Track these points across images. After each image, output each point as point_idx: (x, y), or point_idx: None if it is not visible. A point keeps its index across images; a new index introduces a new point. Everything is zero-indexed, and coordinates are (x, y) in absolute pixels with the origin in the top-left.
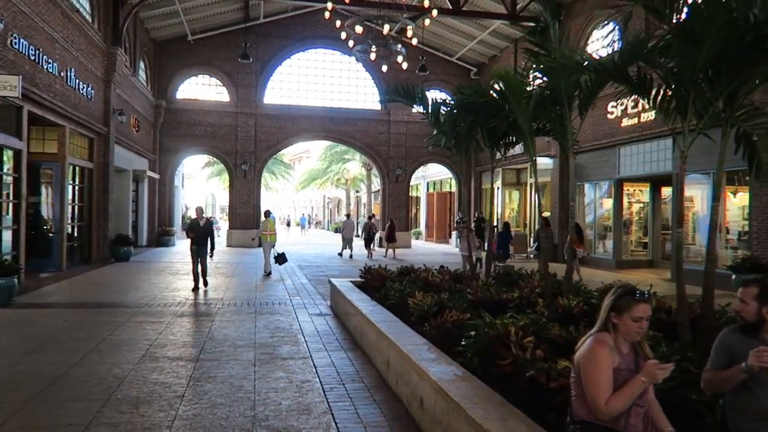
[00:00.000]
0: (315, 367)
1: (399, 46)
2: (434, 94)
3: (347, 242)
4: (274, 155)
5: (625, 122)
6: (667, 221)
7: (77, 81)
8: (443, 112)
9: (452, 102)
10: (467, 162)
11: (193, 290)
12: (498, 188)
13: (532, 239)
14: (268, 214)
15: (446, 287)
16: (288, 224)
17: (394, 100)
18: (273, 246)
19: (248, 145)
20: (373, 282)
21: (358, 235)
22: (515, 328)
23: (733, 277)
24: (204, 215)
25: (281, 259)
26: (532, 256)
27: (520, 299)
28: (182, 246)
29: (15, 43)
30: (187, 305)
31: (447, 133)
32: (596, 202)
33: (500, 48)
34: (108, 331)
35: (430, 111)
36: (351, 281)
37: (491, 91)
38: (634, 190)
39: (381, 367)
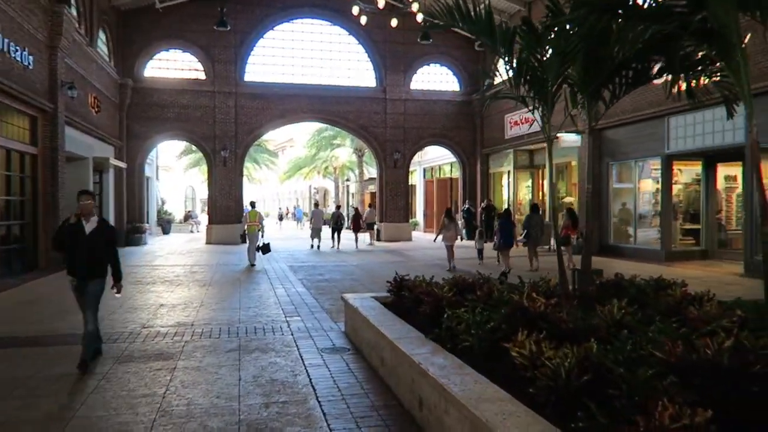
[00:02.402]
0: None
1: None
2: (433, 69)
3: (316, 233)
4: (257, 140)
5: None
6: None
7: (6, 41)
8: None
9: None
10: (473, 142)
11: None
12: (509, 172)
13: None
14: (253, 205)
15: (566, 322)
16: (280, 218)
17: (437, 27)
18: (258, 237)
19: (228, 128)
20: (414, 303)
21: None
22: None
23: None
24: (95, 213)
25: (265, 249)
26: (521, 245)
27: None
28: (156, 244)
29: None
30: (141, 338)
31: (531, 69)
32: (636, 183)
33: (510, 13)
34: None
35: (498, 39)
36: (374, 297)
37: None
38: (676, 170)
39: None
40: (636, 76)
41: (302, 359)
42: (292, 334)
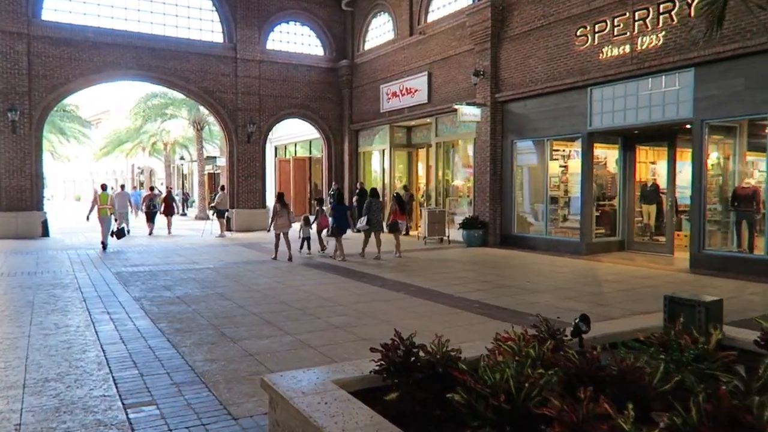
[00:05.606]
0: None
1: None
2: (294, 28)
3: (122, 217)
4: (61, 101)
5: (607, 52)
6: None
7: None
8: None
9: None
10: (340, 117)
11: None
12: (384, 151)
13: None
14: (104, 188)
15: None
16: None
17: None
18: (111, 220)
19: (17, 81)
20: (474, 409)
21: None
22: None
23: None
24: None
25: (120, 234)
26: (363, 231)
27: None
28: None
29: None
30: None
31: None
32: (545, 164)
33: None
34: None
35: None
36: (336, 383)
37: None
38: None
39: None
40: None
41: None
42: None
